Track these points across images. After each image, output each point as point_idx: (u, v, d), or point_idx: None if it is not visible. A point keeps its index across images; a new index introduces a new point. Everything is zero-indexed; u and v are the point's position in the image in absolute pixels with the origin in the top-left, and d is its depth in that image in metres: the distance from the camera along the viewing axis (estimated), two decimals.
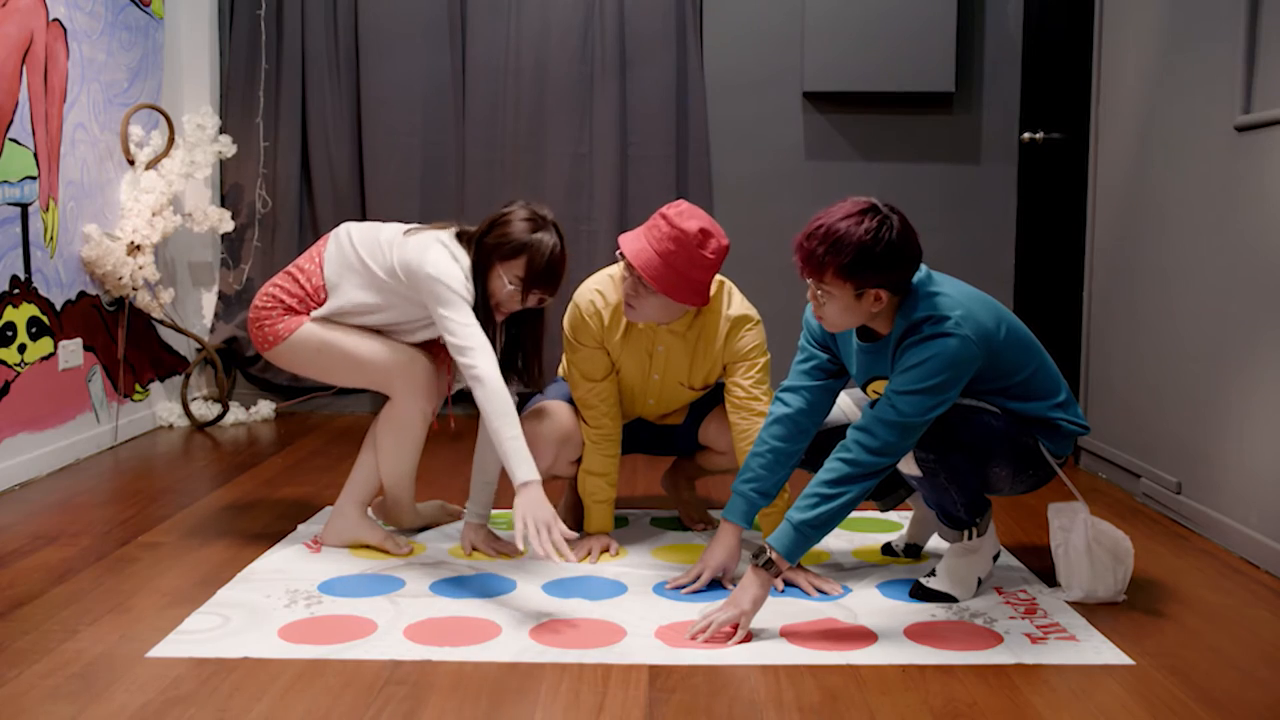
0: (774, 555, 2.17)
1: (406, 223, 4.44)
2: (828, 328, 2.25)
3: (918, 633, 2.19)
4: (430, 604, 2.33)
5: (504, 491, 3.27)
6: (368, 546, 2.70)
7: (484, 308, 2.51)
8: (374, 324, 2.64)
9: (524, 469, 2.29)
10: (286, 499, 3.21)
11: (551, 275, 2.52)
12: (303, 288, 2.65)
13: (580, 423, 2.68)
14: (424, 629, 2.18)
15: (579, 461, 2.72)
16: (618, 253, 2.48)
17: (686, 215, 2.42)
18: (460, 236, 2.59)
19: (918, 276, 2.24)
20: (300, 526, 2.89)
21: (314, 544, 2.72)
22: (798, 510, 2.17)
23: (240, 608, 2.29)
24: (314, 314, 2.63)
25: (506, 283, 2.51)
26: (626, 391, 2.71)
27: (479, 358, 2.39)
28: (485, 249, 2.52)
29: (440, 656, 2.04)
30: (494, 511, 2.82)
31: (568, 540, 2.18)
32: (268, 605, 2.30)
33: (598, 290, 2.61)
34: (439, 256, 2.49)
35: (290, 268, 2.71)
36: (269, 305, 2.65)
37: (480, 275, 2.52)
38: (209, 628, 2.17)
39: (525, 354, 2.69)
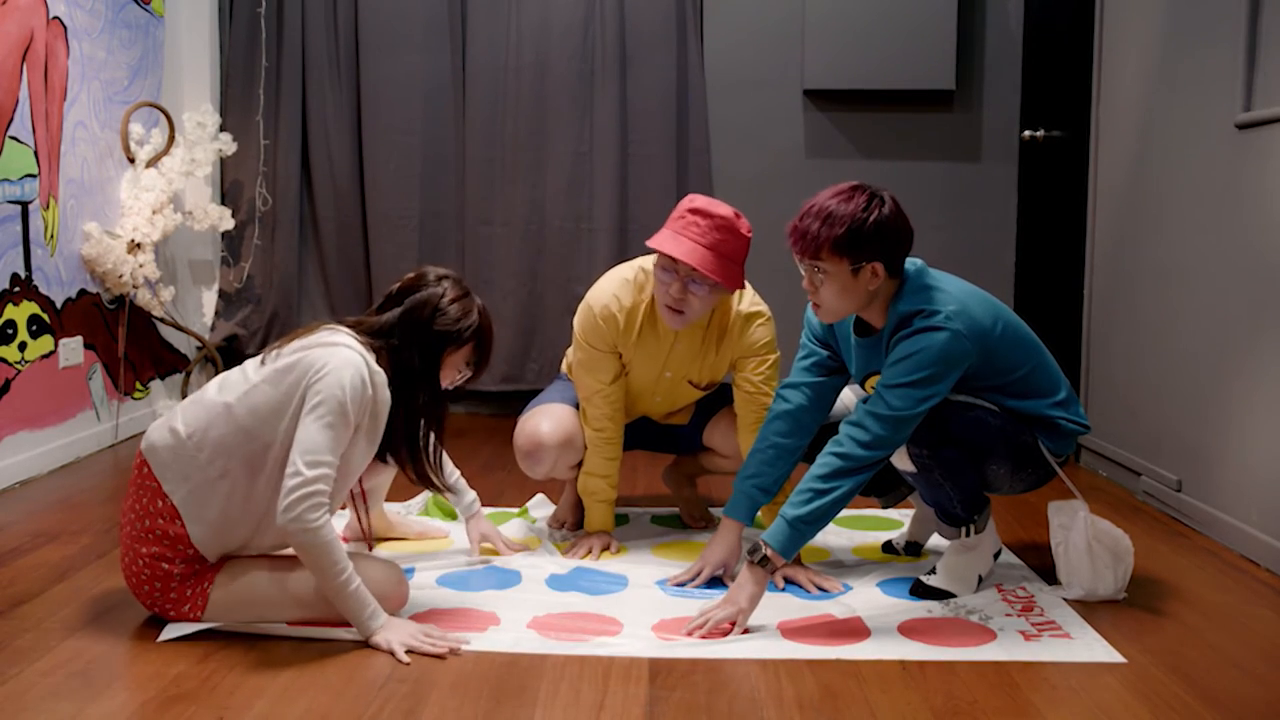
0: (769, 552, 2.17)
1: (405, 222, 4.51)
2: (824, 318, 2.26)
3: (911, 628, 2.19)
4: (434, 595, 2.35)
5: (510, 488, 3.28)
6: (403, 539, 2.74)
7: (434, 404, 2.19)
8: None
9: (377, 617, 2.03)
10: None
11: (490, 348, 2.27)
12: (167, 544, 2.05)
13: (582, 425, 2.67)
14: (425, 619, 2.19)
15: (578, 466, 2.71)
16: (658, 259, 2.44)
17: (713, 203, 2.43)
18: (371, 342, 2.14)
19: (914, 269, 2.25)
20: None
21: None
22: (791, 506, 2.18)
23: None
24: (214, 574, 2.09)
25: (457, 371, 2.23)
26: (634, 389, 2.70)
27: (323, 511, 1.97)
28: (437, 338, 2.16)
29: None
30: (490, 510, 2.82)
31: (567, 540, 2.14)
32: None
33: (614, 294, 2.57)
34: (354, 379, 2.01)
35: (139, 523, 2.07)
36: (145, 587, 2.09)
37: (431, 370, 2.17)
38: None
39: (428, 451, 2.26)
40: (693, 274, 2.39)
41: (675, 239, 2.40)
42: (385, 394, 2.10)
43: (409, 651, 2.01)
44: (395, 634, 2.04)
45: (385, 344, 2.14)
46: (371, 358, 2.09)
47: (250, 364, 2.11)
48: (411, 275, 2.24)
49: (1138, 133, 3.42)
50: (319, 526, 1.97)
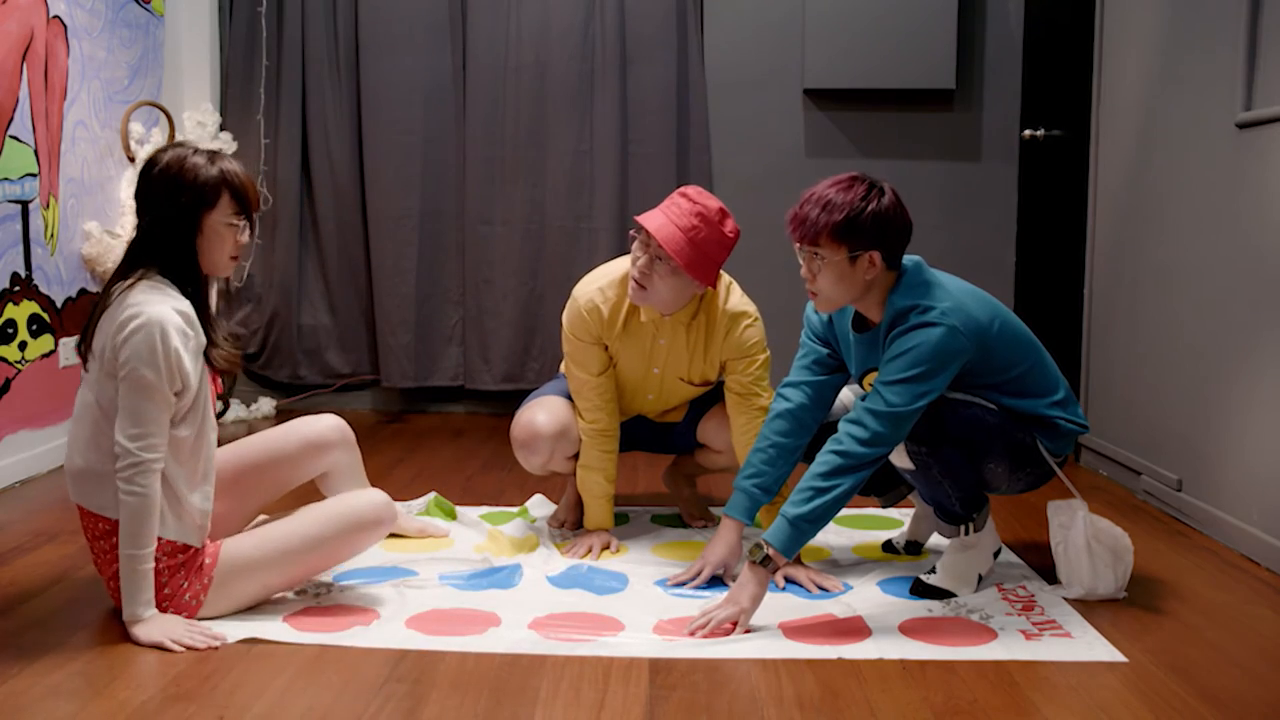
0: (770, 551, 2.17)
1: (405, 221, 4.51)
2: (821, 306, 2.27)
3: (912, 628, 2.19)
4: (436, 594, 2.35)
5: (510, 486, 3.29)
6: (405, 536, 2.75)
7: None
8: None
9: (149, 607, 2.05)
10: (287, 494, 3.20)
11: (242, 186, 2.13)
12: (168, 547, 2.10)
13: (577, 418, 2.68)
14: (426, 619, 2.20)
15: (575, 457, 2.72)
16: (631, 232, 2.51)
17: (706, 195, 2.49)
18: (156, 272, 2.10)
19: (912, 265, 2.26)
20: None
21: None
22: (792, 505, 2.18)
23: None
24: (214, 554, 2.15)
25: (227, 224, 2.11)
26: (628, 387, 2.71)
27: (155, 477, 2.03)
28: (188, 209, 2.08)
29: (437, 646, 2.06)
30: (490, 510, 2.82)
31: (566, 540, 2.14)
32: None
33: (599, 288, 2.61)
34: (151, 347, 2.02)
35: (111, 552, 2.11)
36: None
37: (191, 253, 2.11)
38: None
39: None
40: (660, 251, 2.44)
41: (654, 213, 2.47)
42: (175, 337, 2.05)
43: (178, 644, 2.02)
44: (161, 630, 2.04)
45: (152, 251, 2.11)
46: (158, 298, 2.05)
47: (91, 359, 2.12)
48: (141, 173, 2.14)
49: (1138, 131, 3.42)
50: (150, 493, 2.02)
